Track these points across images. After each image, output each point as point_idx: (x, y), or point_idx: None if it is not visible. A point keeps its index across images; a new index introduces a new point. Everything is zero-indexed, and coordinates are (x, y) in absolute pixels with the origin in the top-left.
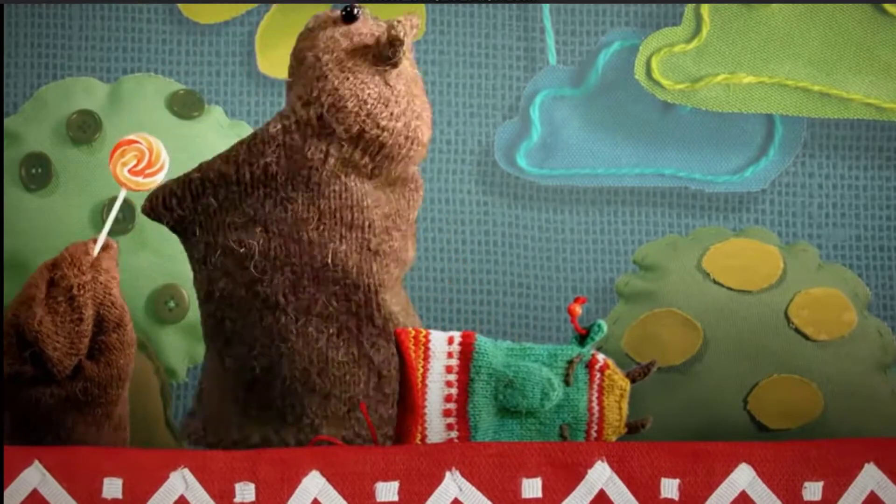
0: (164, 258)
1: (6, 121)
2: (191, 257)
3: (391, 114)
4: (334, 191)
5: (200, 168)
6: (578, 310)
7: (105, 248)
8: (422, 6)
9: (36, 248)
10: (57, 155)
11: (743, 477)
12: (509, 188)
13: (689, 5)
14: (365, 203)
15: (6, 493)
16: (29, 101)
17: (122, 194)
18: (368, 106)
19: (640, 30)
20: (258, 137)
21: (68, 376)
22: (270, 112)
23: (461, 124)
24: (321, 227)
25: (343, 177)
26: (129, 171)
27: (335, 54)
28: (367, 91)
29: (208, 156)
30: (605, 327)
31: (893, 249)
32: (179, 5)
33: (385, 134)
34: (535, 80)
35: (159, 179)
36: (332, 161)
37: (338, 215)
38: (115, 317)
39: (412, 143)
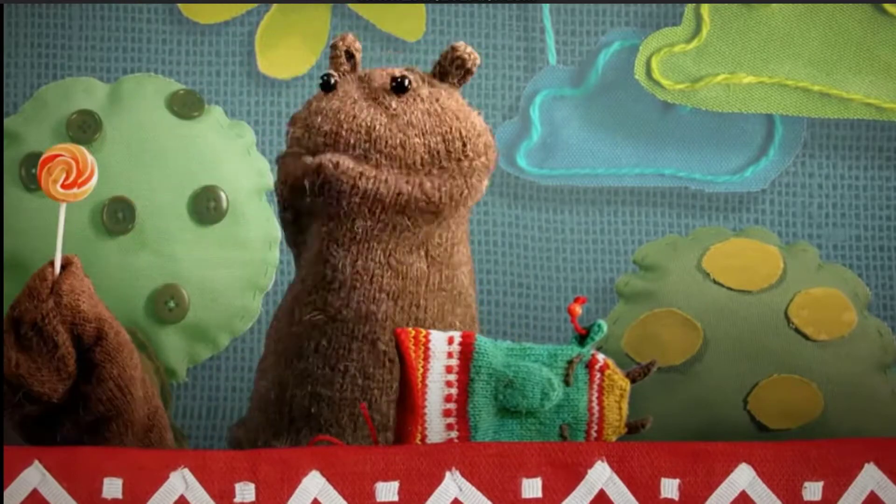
0: (164, 258)
1: (6, 121)
2: (315, 233)
3: (477, 118)
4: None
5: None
6: (578, 310)
7: (66, 265)
8: (422, 6)
9: (36, 248)
10: None
11: (743, 477)
12: (509, 188)
13: (689, 5)
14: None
15: (6, 493)
16: (29, 101)
17: (63, 209)
18: (472, 118)
19: (640, 30)
20: (446, 178)
21: (76, 408)
22: (270, 112)
23: None
24: (460, 253)
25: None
26: (62, 185)
27: (423, 103)
28: (475, 120)
29: (208, 156)
30: (605, 327)
31: (893, 249)
32: (179, 5)
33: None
34: (535, 80)
35: (93, 183)
36: (476, 192)
37: (465, 245)
38: (91, 331)
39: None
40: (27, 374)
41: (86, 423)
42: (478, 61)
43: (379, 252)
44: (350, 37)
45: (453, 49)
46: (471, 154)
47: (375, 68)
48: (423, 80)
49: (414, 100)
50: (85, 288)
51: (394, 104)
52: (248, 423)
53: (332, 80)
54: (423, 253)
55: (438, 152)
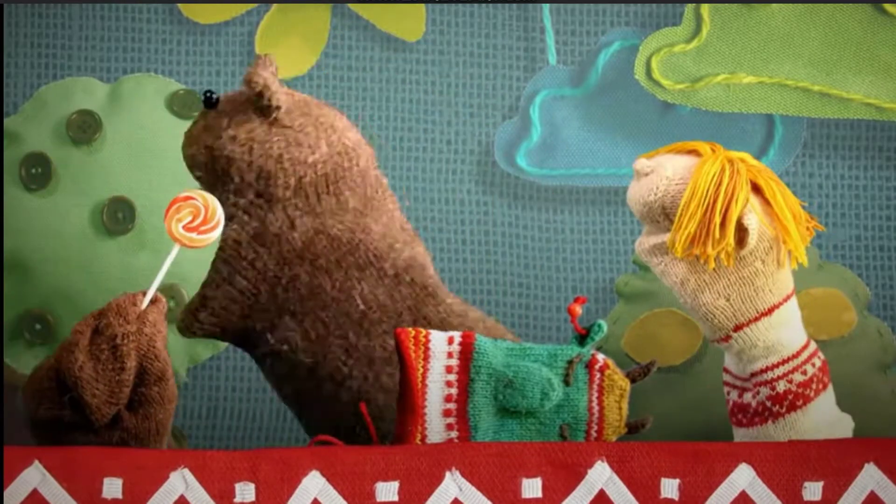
0: (162, 258)
1: (6, 121)
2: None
3: (309, 146)
4: (324, 245)
5: (204, 300)
6: (578, 310)
7: (153, 301)
8: (422, 6)
9: (36, 248)
10: (57, 155)
11: (743, 477)
12: (509, 188)
13: (689, 5)
14: (357, 238)
15: (6, 493)
16: (29, 101)
17: (176, 250)
18: (286, 156)
19: (640, 30)
20: (227, 249)
21: (107, 425)
22: None
23: (461, 124)
24: (337, 283)
25: (322, 230)
26: (184, 227)
27: (224, 137)
28: (274, 144)
29: None
30: (605, 327)
31: (893, 249)
32: (179, 5)
33: (319, 165)
34: (535, 80)
35: (214, 236)
36: (298, 221)
37: (344, 260)
38: (157, 370)
39: (346, 157)
40: (87, 379)
41: (111, 443)
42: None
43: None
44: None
45: (247, 75)
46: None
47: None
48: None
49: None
50: (164, 330)
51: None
52: None
53: (214, 98)
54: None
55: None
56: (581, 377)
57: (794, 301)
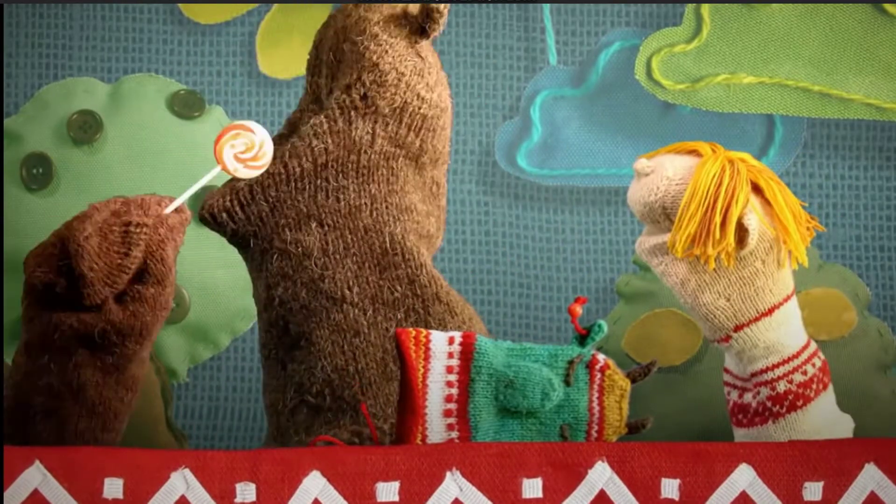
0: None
1: (7, 121)
2: (249, 269)
3: (427, 84)
4: (382, 174)
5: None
6: (579, 310)
7: (178, 211)
8: None
9: None
10: (58, 155)
11: (743, 477)
12: (510, 188)
13: (690, 5)
14: (408, 187)
15: (7, 493)
16: (30, 101)
17: (216, 171)
18: (407, 77)
19: (641, 30)
20: (302, 131)
21: (93, 312)
22: (271, 112)
23: (461, 124)
24: (375, 213)
25: (390, 160)
26: (234, 155)
27: (368, 31)
28: (405, 63)
29: (209, 156)
30: (605, 327)
31: (893, 249)
32: (180, 5)
33: (425, 105)
34: (535, 81)
35: (254, 174)
36: (379, 141)
37: (389, 199)
38: (158, 272)
39: (445, 113)
40: (89, 251)
41: (88, 339)
42: (438, 25)
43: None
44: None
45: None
46: (342, 98)
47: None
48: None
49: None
50: (179, 239)
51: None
52: None
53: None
54: (314, 223)
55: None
56: (581, 377)
57: (794, 301)
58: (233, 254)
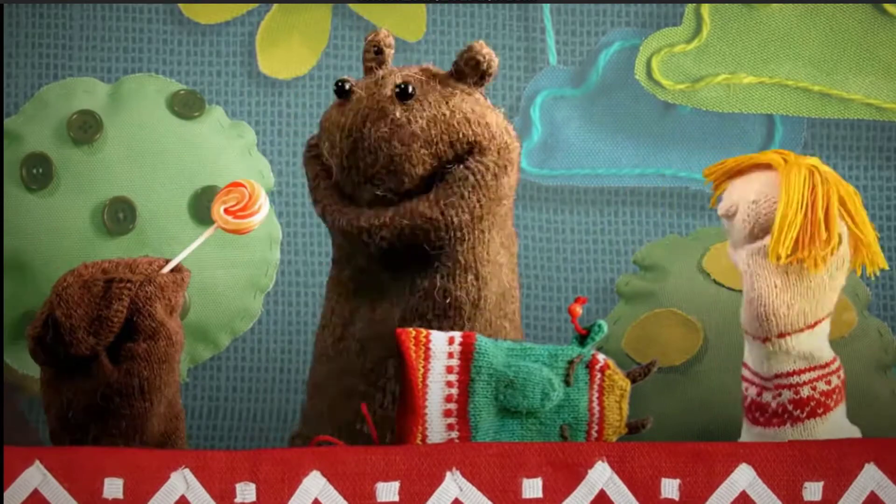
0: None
1: (7, 121)
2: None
3: (497, 118)
4: (508, 223)
5: (406, 153)
6: (579, 310)
7: (176, 270)
8: (422, 6)
9: (36, 249)
10: (58, 155)
11: (743, 477)
12: None
13: (690, 5)
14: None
15: (7, 493)
16: (30, 101)
17: (212, 229)
18: (503, 123)
19: (641, 30)
20: (450, 186)
21: (88, 374)
22: (271, 112)
23: None
24: (508, 262)
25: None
26: (225, 209)
27: (459, 116)
28: (494, 113)
29: (209, 156)
30: (605, 327)
31: (893, 249)
32: (180, 5)
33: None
34: (535, 81)
35: (254, 221)
36: (512, 193)
37: (511, 247)
38: (147, 328)
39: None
40: (66, 300)
41: (95, 407)
42: (495, 62)
43: (443, 278)
44: (383, 32)
45: (469, 49)
46: (481, 159)
47: (394, 69)
48: (436, 81)
49: (421, 106)
50: (172, 298)
51: (398, 113)
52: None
53: (347, 87)
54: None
55: (448, 159)
56: (581, 377)
57: (829, 321)
58: (233, 253)
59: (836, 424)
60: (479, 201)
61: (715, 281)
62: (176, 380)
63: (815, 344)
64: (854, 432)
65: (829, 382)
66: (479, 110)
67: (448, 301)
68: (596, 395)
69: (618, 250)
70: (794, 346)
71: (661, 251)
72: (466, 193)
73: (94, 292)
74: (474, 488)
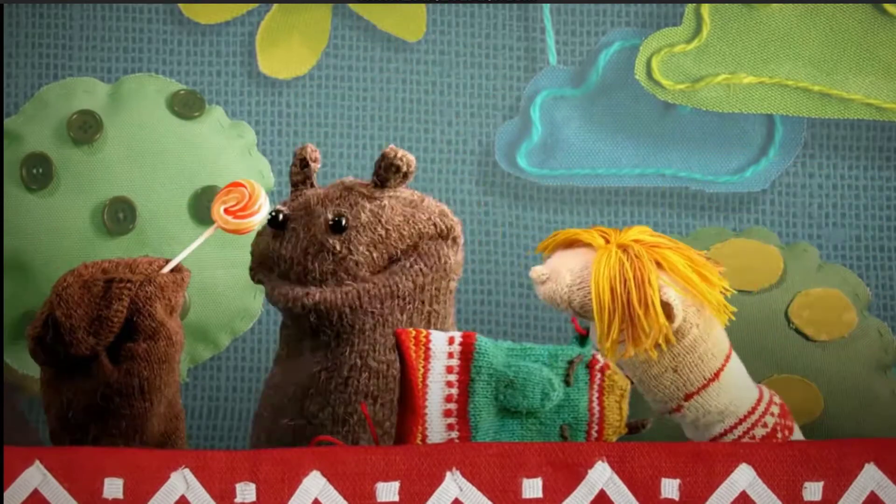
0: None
1: (7, 121)
2: (308, 347)
3: (426, 213)
4: (451, 299)
5: (355, 277)
6: None
7: (176, 270)
8: (422, 6)
9: (36, 248)
10: (58, 155)
11: (743, 477)
12: (510, 188)
13: (690, 5)
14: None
15: (7, 493)
16: (30, 101)
17: (212, 229)
18: (417, 217)
19: (641, 30)
20: (401, 262)
21: (88, 374)
22: (271, 112)
23: (461, 124)
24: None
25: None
26: (225, 209)
27: (366, 233)
28: (418, 213)
29: (209, 156)
30: None
31: (893, 249)
32: (180, 5)
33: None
34: (535, 81)
35: (254, 221)
36: (457, 269)
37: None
38: (147, 328)
39: None
40: (66, 300)
41: (95, 407)
42: (412, 163)
43: (354, 355)
44: (309, 147)
45: (383, 157)
46: (422, 255)
47: (319, 190)
48: (363, 198)
49: (357, 234)
50: (172, 297)
51: (337, 247)
52: None
53: (281, 217)
54: None
55: (393, 262)
56: (582, 377)
57: (735, 359)
58: (233, 253)
59: None
60: (422, 271)
61: None
62: (176, 380)
63: (732, 393)
64: None
65: (765, 425)
66: (410, 213)
67: (391, 374)
68: (596, 395)
69: None
70: (709, 403)
71: None
72: (413, 263)
73: (94, 292)
74: (474, 488)
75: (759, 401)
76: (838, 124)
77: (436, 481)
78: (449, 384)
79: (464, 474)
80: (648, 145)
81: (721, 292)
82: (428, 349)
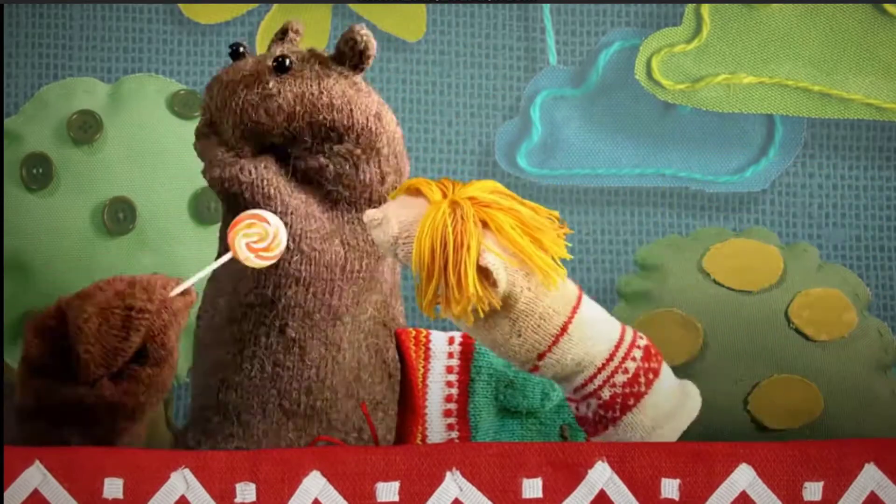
0: (165, 258)
1: (7, 121)
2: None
3: (365, 105)
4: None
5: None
6: None
7: (184, 293)
8: (422, 6)
9: (36, 248)
10: (58, 155)
11: (743, 477)
12: (510, 188)
13: (690, 5)
14: None
15: (7, 493)
16: (30, 101)
17: (227, 257)
18: (383, 115)
19: (641, 30)
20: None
21: (76, 386)
22: None
23: (462, 124)
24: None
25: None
26: (247, 244)
27: (323, 99)
28: (371, 104)
29: None
30: None
31: (893, 249)
32: (180, 5)
33: (398, 134)
34: (535, 81)
35: (266, 263)
36: (389, 178)
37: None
38: (158, 355)
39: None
40: (87, 333)
41: (77, 412)
42: (372, 44)
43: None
44: (295, 21)
45: (348, 31)
46: (345, 144)
47: (287, 48)
48: (315, 62)
49: (293, 81)
50: (182, 322)
51: (271, 84)
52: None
53: (241, 50)
54: (338, 240)
55: (303, 139)
56: None
57: (585, 308)
58: None
59: (662, 400)
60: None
61: (715, 281)
62: (161, 401)
63: (586, 344)
64: (689, 397)
65: (626, 371)
66: (350, 95)
67: (323, 261)
68: None
69: (618, 250)
70: (563, 357)
71: (661, 251)
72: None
73: (113, 323)
74: (474, 488)
75: (619, 346)
76: (838, 124)
77: (436, 481)
78: (449, 384)
79: (464, 474)
80: (648, 145)
81: (553, 257)
82: (428, 349)
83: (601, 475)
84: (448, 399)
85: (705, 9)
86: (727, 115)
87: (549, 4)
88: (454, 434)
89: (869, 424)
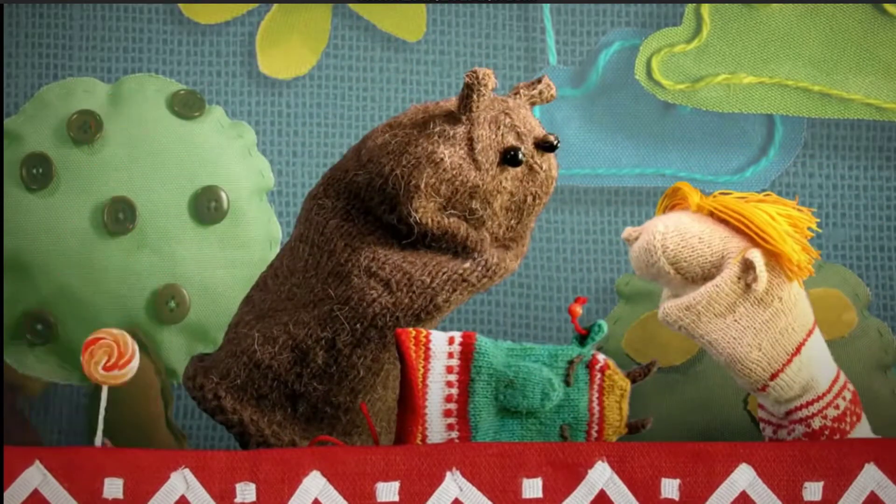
0: (164, 258)
1: (7, 121)
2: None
3: None
4: None
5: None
6: (579, 310)
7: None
8: (422, 6)
9: (36, 248)
10: (58, 155)
11: (743, 477)
12: None
13: (690, 5)
14: None
15: (7, 493)
16: (30, 101)
17: (105, 390)
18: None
19: (641, 30)
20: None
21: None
22: (271, 112)
23: None
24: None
25: None
26: (103, 367)
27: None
28: None
29: (209, 156)
30: (605, 327)
31: (893, 249)
32: (180, 5)
33: None
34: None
35: (134, 366)
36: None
37: None
38: None
39: None
40: None
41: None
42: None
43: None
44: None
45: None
46: None
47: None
48: None
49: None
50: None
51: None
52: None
53: (520, 155)
54: None
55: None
56: (582, 377)
57: (818, 334)
58: (233, 253)
59: None
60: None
61: None
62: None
63: (813, 368)
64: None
65: (837, 407)
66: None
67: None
68: (596, 395)
69: (618, 250)
70: (793, 380)
71: None
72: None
73: None
74: (474, 488)
75: (835, 381)
76: (838, 124)
77: (436, 481)
78: (449, 384)
79: (464, 474)
80: (648, 145)
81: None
82: (428, 349)
83: (601, 475)
84: (448, 399)
85: (705, 9)
86: (727, 115)
87: (549, 4)
88: (454, 434)
89: (869, 424)
